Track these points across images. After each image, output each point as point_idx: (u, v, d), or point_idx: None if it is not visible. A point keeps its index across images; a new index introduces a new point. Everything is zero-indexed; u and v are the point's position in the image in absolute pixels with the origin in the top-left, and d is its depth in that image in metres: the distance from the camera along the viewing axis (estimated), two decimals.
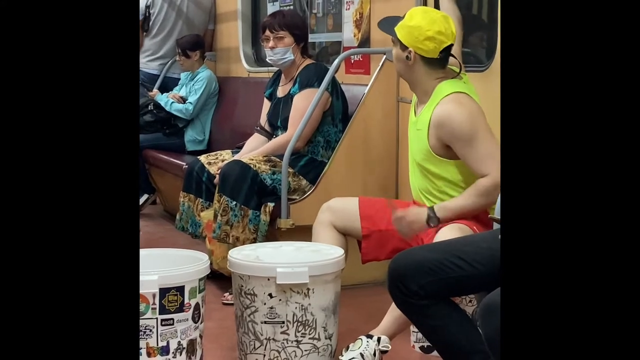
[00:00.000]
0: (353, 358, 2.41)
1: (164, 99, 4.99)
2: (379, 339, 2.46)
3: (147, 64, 5.37)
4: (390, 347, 2.48)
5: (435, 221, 2.48)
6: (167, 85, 5.26)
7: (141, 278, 2.22)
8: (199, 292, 2.45)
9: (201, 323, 2.48)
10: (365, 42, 3.77)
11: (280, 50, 3.49)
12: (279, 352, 2.46)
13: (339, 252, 2.59)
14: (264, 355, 2.47)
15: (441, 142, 2.52)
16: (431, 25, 2.50)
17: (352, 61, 3.84)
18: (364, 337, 2.48)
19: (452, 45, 2.55)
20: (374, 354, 2.44)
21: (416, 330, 2.62)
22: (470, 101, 2.53)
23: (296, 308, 2.44)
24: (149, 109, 5.01)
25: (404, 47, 2.55)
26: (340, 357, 2.44)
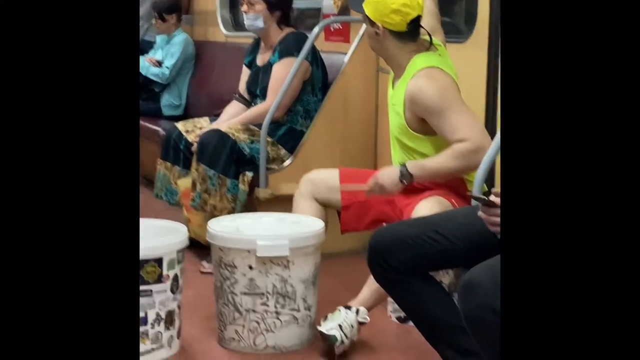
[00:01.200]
0: (331, 329, 2.43)
1: (139, 63, 4.92)
2: (357, 311, 2.49)
3: None
4: (368, 319, 2.50)
5: (408, 178, 2.47)
6: (143, 48, 5.19)
7: None
8: (178, 264, 2.45)
9: (179, 294, 2.48)
10: (345, 9, 3.73)
11: (251, 16, 3.46)
12: (259, 323, 2.47)
13: (319, 224, 2.60)
14: (244, 326, 2.48)
15: (416, 117, 2.53)
16: None
17: (332, 29, 3.81)
18: (342, 308, 2.50)
19: (420, 16, 2.54)
20: (352, 325, 2.46)
21: (392, 300, 2.65)
22: (443, 75, 2.53)
23: (276, 280, 2.45)
24: None
25: (372, 23, 2.55)
26: (318, 328, 2.46)
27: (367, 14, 2.54)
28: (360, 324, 2.49)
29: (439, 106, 2.47)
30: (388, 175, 2.51)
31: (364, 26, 3.44)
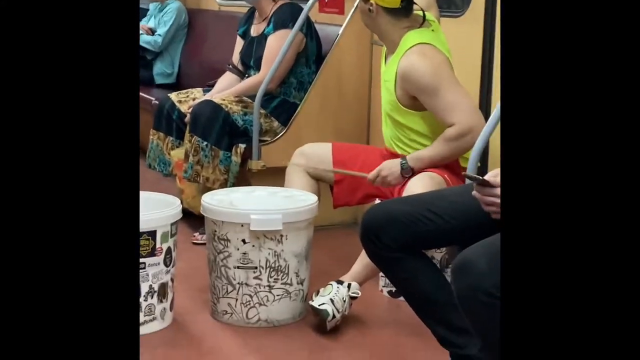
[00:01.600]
0: (323, 303, 2.45)
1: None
2: (349, 285, 2.50)
3: None
4: (360, 293, 2.52)
5: (409, 171, 2.53)
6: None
7: None
8: (171, 237, 2.46)
9: (173, 267, 2.49)
10: None
11: None
12: (251, 297, 2.49)
13: (312, 198, 2.61)
14: (237, 300, 2.50)
15: (407, 94, 2.53)
16: None
17: (327, 0, 3.78)
18: (334, 283, 2.51)
19: None
20: (344, 300, 2.48)
21: (384, 275, 2.67)
22: (435, 52, 2.52)
23: (269, 254, 2.46)
24: None
25: (366, 0, 2.53)
26: (310, 302, 2.48)
27: None
28: (352, 298, 2.51)
29: (430, 85, 2.47)
30: (390, 168, 2.55)
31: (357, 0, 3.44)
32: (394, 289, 2.71)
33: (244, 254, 2.46)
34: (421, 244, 2.01)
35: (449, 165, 2.57)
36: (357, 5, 3.43)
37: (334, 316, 2.44)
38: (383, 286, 2.81)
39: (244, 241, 2.46)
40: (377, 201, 2.74)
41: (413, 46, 2.50)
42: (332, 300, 2.46)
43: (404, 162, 2.54)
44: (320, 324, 2.47)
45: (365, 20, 2.61)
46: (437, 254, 2.63)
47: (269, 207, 2.55)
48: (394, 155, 2.66)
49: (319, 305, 2.44)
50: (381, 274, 2.74)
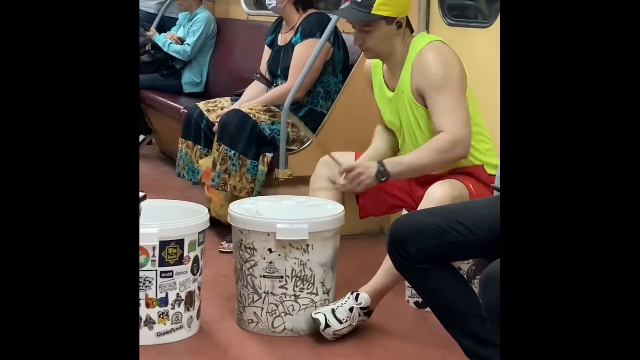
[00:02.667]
0: (319, 313, 2.45)
1: (162, 40, 4.93)
2: (357, 296, 2.50)
3: (145, 2, 5.29)
4: (369, 303, 2.50)
5: (386, 175, 2.43)
6: (165, 24, 5.19)
7: (142, 231, 2.23)
8: (199, 245, 2.47)
9: (200, 275, 2.51)
10: None
11: None
12: (277, 306, 2.49)
13: (338, 208, 2.61)
14: (262, 309, 2.50)
15: (418, 92, 2.51)
16: None
17: None
18: (349, 294, 2.51)
19: None
20: (350, 310, 2.47)
21: (411, 286, 2.66)
22: (449, 51, 2.51)
23: (295, 263, 2.47)
24: (147, 49, 4.96)
25: (391, 21, 2.51)
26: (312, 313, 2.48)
27: (386, 15, 2.48)
28: (363, 309, 2.50)
29: (440, 81, 2.44)
30: (367, 168, 2.46)
31: None
32: (420, 300, 2.70)
33: (270, 263, 2.47)
34: (449, 256, 2.00)
35: (475, 173, 2.55)
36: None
37: (328, 325, 2.43)
38: (409, 297, 2.80)
39: (270, 250, 2.46)
40: (404, 212, 2.74)
41: (426, 45, 2.50)
42: (333, 311, 2.46)
43: (380, 165, 2.44)
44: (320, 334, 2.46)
45: (385, 45, 2.53)
46: (464, 265, 2.61)
47: (295, 216, 2.55)
48: None
49: (314, 315, 2.45)
50: (407, 284, 2.74)
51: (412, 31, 2.60)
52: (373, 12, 2.48)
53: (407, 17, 2.56)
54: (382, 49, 2.55)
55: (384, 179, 2.44)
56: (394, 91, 2.61)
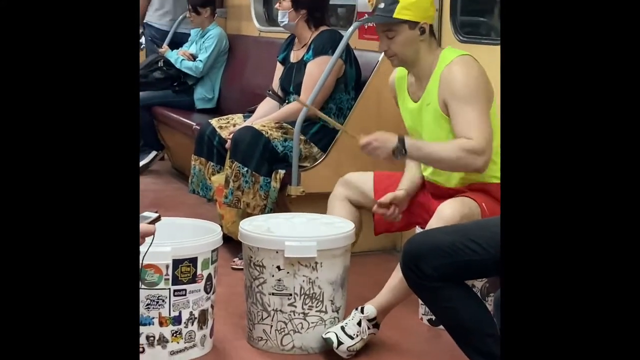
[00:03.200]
0: (329, 331, 2.45)
1: (173, 56, 4.95)
2: (362, 309, 2.49)
3: (158, 19, 5.33)
4: (375, 314, 2.50)
5: (403, 153, 2.40)
6: (178, 40, 5.22)
7: (154, 249, 2.22)
8: (212, 264, 2.47)
9: (213, 293, 2.51)
10: None
11: (280, 12, 3.51)
12: (286, 324, 2.49)
13: (349, 226, 2.60)
14: (271, 326, 2.50)
15: (444, 103, 2.50)
16: None
17: (366, 27, 3.80)
18: (354, 310, 2.51)
19: None
20: (359, 324, 2.46)
21: (424, 304, 2.65)
22: (478, 65, 2.52)
23: (303, 281, 2.46)
24: (159, 65, 4.98)
25: (413, 25, 2.52)
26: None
27: (409, 19, 2.51)
28: (370, 321, 2.49)
29: (465, 93, 2.44)
30: (384, 141, 2.43)
31: None
32: (434, 317, 2.69)
33: (279, 280, 2.47)
34: (462, 274, 2.00)
35: (490, 191, 2.54)
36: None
37: (340, 343, 2.43)
38: (423, 314, 2.79)
39: (278, 268, 2.46)
40: (418, 229, 2.74)
41: (455, 58, 2.51)
42: (342, 328, 2.45)
43: (400, 141, 2.40)
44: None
45: (409, 50, 2.54)
46: (478, 283, 2.60)
47: (304, 233, 2.55)
48: (435, 187, 2.64)
49: (325, 334, 2.45)
50: (420, 302, 2.72)
51: (438, 43, 2.60)
52: (394, 15, 2.50)
53: (432, 25, 2.58)
54: (407, 54, 2.55)
55: (399, 156, 2.41)
56: (417, 102, 2.61)
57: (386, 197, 2.59)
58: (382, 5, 2.54)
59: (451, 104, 2.47)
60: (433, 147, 2.46)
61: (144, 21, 5.38)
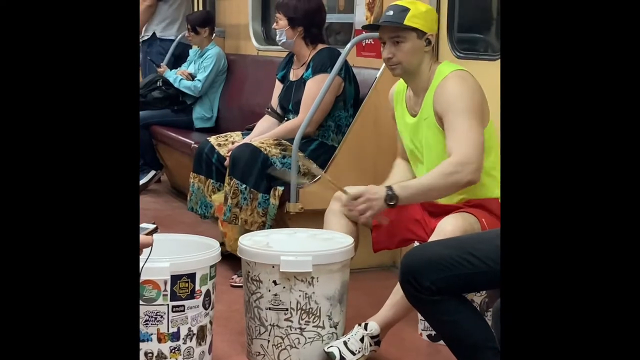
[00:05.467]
0: (331, 346, 2.44)
1: (172, 76, 4.98)
2: (365, 325, 2.48)
3: (164, 30, 5.36)
4: (378, 331, 2.49)
5: (395, 199, 2.40)
6: (184, 52, 5.24)
7: (153, 265, 2.24)
8: (210, 279, 2.47)
9: (211, 309, 2.50)
10: (378, 25, 3.73)
11: (278, 32, 3.54)
12: (283, 339, 2.48)
13: (347, 241, 2.60)
14: (269, 341, 2.49)
15: (439, 116, 2.52)
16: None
17: (364, 44, 3.82)
18: (356, 326, 2.51)
19: None
20: (361, 340, 2.46)
21: (423, 319, 2.64)
22: (473, 80, 2.54)
23: (300, 296, 2.46)
24: (158, 85, 5.00)
25: (421, 35, 2.55)
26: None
27: (417, 27, 2.53)
28: (373, 337, 2.48)
29: (456, 105, 2.45)
30: (376, 192, 2.42)
31: None
32: (433, 333, 2.68)
33: (275, 295, 2.46)
34: (461, 288, 2.00)
35: (489, 206, 2.55)
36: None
37: (343, 358, 2.43)
38: (422, 330, 2.78)
39: (275, 282, 2.46)
40: (416, 244, 2.73)
41: (450, 73, 2.53)
42: (345, 343, 2.45)
43: (389, 188, 2.41)
44: None
45: (415, 60, 2.55)
46: (477, 297, 2.59)
47: (300, 248, 2.55)
48: (431, 204, 2.63)
49: (327, 348, 2.44)
50: (420, 317, 2.72)
51: (436, 58, 2.63)
52: (405, 22, 2.53)
53: (434, 38, 2.61)
54: (411, 63, 2.56)
55: (392, 203, 2.40)
56: (415, 116, 2.62)
57: (355, 189, 2.50)
58: (391, 13, 2.56)
59: (445, 118, 2.49)
60: (420, 181, 2.47)
61: (158, 37, 5.40)
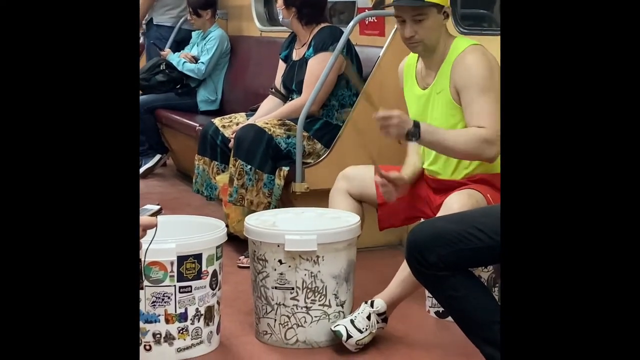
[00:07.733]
0: (338, 324, 2.43)
1: (175, 59, 4.96)
2: (372, 303, 2.48)
3: (165, 14, 5.33)
4: (385, 308, 2.49)
5: (416, 136, 2.36)
6: (186, 38, 5.22)
7: (159, 246, 2.24)
8: (217, 260, 2.47)
9: (218, 290, 2.50)
10: (380, 2, 3.71)
11: (278, 10, 3.51)
12: (289, 318, 2.48)
13: (352, 219, 2.59)
14: (275, 320, 2.50)
15: (456, 91, 2.49)
16: None
17: (367, 22, 3.80)
18: (363, 303, 2.50)
19: None
20: (368, 318, 2.46)
21: (431, 295, 2.64)
22: (490, 54, 2.51)
23: (305, 275, 2.46)
24: (161, 68, 4.99)
25: (440, 9, 2.52)
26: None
27: (437, 1, 2.49)
28: (380, 315, 2.48)
29: (481, 83, 2.43)
30: (403, 120, 2.35)
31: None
32: (441, 310, 2.68)
33: (281, 274, 2.46)
34: (467, 262, 1.99)
35: (494, 181, 2.54)
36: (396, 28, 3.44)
37: (350, 336, 2.42)
38: (430, 307, 2.78)
39: (280, 262, 2.46)
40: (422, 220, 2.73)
41: (468, 47, 2.50)
42: (352, 321, 2.44)
43: (416, 125, 2.36)
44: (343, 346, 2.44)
45: (435, 35, 2.52)
46: (484, 273, 2.59)
47: (305, 227, 2.54)
48: (435, 180, 2.63)
49: (334, 327, 2.43)
50: (427, 294, 2.72)
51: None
52: None
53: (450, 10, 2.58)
54: (432, 39, 2.53)
55: (412, 139, 2.37)
56: (425, 89, 2.60)
57: (392, 173, 2.53)
58: None
59: (465, 93, 2.47)
60: (447, 134, 2.43)
61: (154, 23, 5.38)
